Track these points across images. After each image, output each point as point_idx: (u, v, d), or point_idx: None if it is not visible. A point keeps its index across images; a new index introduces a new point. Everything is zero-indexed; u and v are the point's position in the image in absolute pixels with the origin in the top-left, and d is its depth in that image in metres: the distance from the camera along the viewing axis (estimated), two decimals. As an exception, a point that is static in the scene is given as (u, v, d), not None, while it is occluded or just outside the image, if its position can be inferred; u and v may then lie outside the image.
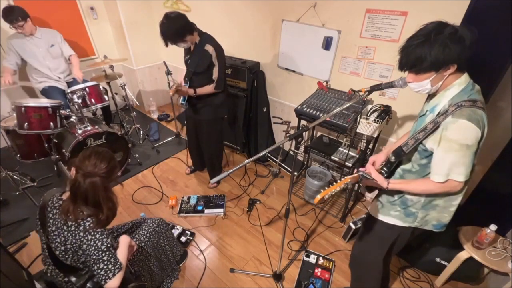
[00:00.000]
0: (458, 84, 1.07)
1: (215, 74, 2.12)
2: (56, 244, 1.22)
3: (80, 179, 1.16)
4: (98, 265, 1.15)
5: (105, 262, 1.15)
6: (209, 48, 2.05)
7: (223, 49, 2.13)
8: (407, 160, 1.24)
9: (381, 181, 1.19)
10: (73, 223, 1.16)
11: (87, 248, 1.15)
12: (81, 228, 1.16)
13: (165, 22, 1.89)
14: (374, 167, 1.26)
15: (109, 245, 1.18)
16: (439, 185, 1.10)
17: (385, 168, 1.29)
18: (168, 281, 1.86)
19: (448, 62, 1.00)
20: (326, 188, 1.17)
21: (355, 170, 1.24)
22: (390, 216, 1.35)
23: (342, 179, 1.20)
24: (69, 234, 1.18)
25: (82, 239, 1.16)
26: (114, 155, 1.34)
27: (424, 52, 0.99)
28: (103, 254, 1.16)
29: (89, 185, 1.16)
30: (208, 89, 2.15)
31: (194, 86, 2.16)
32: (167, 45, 1.96)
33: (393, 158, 1.22)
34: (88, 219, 1.17)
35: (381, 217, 1.39)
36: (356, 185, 2.45)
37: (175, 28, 1.90)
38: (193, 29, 2.00)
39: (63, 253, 1.22)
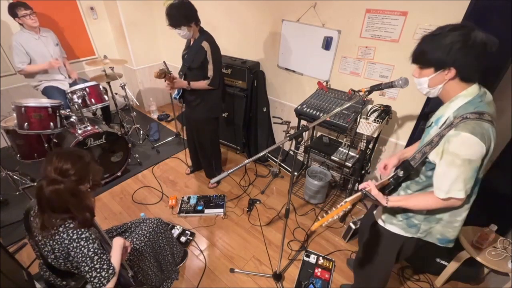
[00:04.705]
0: (463, 96, 1.02)
1: (210, 72, 2.13)
2: (46, 252, 1.19)
3: (44, 186, 1.07)
4: (90, 274, 1.11)
5: (98, 270, 1.11)
6: (205, 44, 2.06)
7: (220, 48, 2.14)
8: (415, 173, 1.20)
9: (380, 199, 1.16)
10: (56, 232, 1.11)
11: (75, 255, 1.11)
12: (64, 235, 1.11)
13: (176, 4, 1.92)
14: (375, 184, 1.21)
15: (96, 250, 1.13)
16: (440, 201, 1.07)
17: (392, 181, 1.26)
18: (168, 282, 1.85)
19: (447, 64, 0.97)
20: (325, 215, 1.15)
21: (359, 187, 1.21)
22: (393, 224, 1.32)
23: (343, 203, 1.16)
24: (54, 243, 1.14)
25: (68, 246, 1.11)
26: (82, 152, 1.19)
27: (430, 46, 0.98)
28: (95, 262, 1.11)
29: (51, 193, 1.06)
30: (202, 84, 2.15)
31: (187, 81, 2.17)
32: (174, 27, 1.96)
33: (401, 173, 1.19)
34: (70, 220, 1.12)
35: (383, 224, 1.36)
36: (357, 185, 2.45)
37: (186, 9, 1.94)
38: (198, 22, 2.03)
39: (55, 260, 1.20)
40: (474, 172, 0.99)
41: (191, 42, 2.14)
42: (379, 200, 1.15)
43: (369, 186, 1.18)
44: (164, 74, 2.03)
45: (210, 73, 2.13)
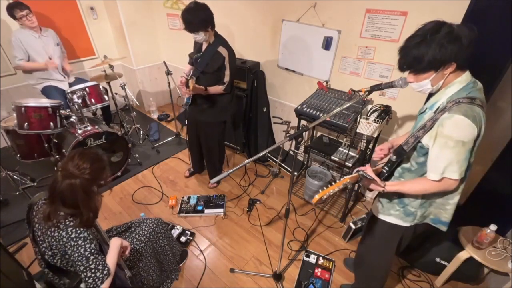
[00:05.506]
0: (458, 82, 1.07)
1: (226, 77, 2.12)
2: (43, 249, 1.20)
3: (59, 179, 1.13)
4: (85, 273, 1.12)
5: (93, 270, 1.13)
6: (223, 50, 2.05)
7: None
8: (407, 158, 1.24)
9: (378, 181, 1.19)
10: (56, 228, 1.13)
11: (72, 254, 1.13)
12: (63, 233, 1.13)
13: (193, 7, 1.90)
14: (371, 168, 1.25)
15: (93, 250, 1.15)
16: (435, 184, 1.10)
17: (386, 168, 1.28)
18: (168, 282, 1.85)
19: (446, 61, 1.00)
20: (325, 188, 1.17)
21: (355, 170, 1.24)
22: (391, 215, 1.35)
23: (342, 179, 1.20)
24: (52, 240, 1.15)
25: (66, 244, 1.13)
26: (102, 156, 1.28)
27: (421, 52, 1.00)
28: (90, 262, 1.13)
29: (66, 186, 1.12)
30: (218, 89, 2.15)
31: (201, 85, 2.16)
32: (189, 31, 1.94)
33: (394, 157, 1.22)
34: (71, 218, 1.15)
35: (382, 217, 1.39)
36: (356, 185, 2.45)
37: (203, 14, 1.92)
38: (214, 26, 2.03)
39: (51, 257, 1.21)
40: (467, 154, 1.03)
41: (203, 46, 2.11)
42: (377, 181, 1.18)
43: (366, 169, 1.21)
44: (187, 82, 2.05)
45: (227, 78, 2.12)
